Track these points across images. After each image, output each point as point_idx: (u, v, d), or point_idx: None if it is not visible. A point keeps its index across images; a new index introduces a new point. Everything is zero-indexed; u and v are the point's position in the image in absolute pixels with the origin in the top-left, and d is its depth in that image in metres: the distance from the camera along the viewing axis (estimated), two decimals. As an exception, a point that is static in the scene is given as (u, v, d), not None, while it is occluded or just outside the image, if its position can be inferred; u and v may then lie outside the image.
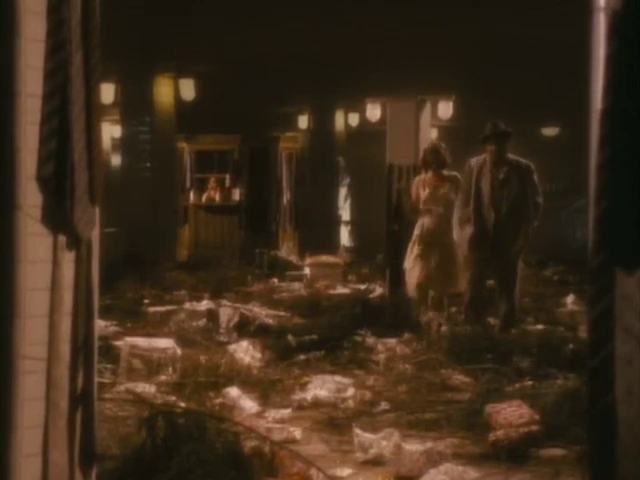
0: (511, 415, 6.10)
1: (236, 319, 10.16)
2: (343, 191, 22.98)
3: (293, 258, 18.03)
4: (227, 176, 21.13)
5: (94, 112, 3.57)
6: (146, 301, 11.94)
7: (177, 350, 7.84)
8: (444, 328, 9.58)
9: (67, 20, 3.45)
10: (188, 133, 19.90)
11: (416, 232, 10.23)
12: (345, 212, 22.97)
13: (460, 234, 9.71)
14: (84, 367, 3.60)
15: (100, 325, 7.45)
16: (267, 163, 20.73)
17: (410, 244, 10.28)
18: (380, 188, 15.75)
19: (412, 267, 10.16)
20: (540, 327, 10.08)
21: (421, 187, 10.24)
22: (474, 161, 9.84)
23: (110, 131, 19.54)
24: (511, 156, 9.80)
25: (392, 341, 8.99)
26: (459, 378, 7.60)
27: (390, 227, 12.18)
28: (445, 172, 10.24)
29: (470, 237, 9.63)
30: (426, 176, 10.29)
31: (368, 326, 9.46)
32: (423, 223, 10.20)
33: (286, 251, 19.20)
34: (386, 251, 12.53)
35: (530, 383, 7.36)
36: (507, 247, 9.56)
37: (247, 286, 14.25)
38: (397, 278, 11.22)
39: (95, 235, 3.66)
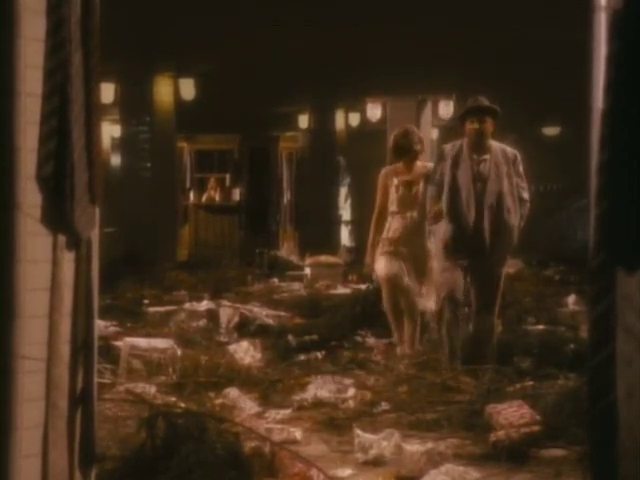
0: (512, 415, 6.09)
1: (236, 319, 10.16)
2: (343, 191, 22.97)
3: (293, 258, 18.03)
4: (227, 176, 21.18)
5: (94, 112, 3.57)
6: (146, 301, 11.93)
7: (177, 350, 7.84)
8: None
9: (67, 19, 3.45)
10: (188, 133, 19.94)
11: (384, 238, 8.42)
12: (345, 212, 22.97)
13: (435, 242, 8.14)
14: (84, 367, 3.59)
15: (100, 325, 7.44)
16: (267, 163, 20.77)
17: (378, 251, 8.49)
18: (380, 188, 15.76)
19: (382, 281, 8.49)
20: (541, 327, 10.06)
21: (390, 182, 8.41)
22: (449, 147, 8.13)
23: (110, 131, 19.55)
24: (494, 142, 8.12)
25: (393, 341, 8.99)
26: (459, 378, 7.59)
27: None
28: (419, 163, 8.48)
29: (444, 241, 7.91)
30: (396, 167, 8.49)
31: (368, 326, 9.46)
32: (390, 226, 8.37)
33: (286, 251, 19.21)
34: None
35: (531, 383, 7.34)
36: (489, 253, 7.88)
37: (247, 286, 14.25)
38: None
39: (95, 235, 3.65)
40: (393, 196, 8.36)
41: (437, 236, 8.03)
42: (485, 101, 8.02)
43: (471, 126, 7.94)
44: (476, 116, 7.94)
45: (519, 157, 8.08)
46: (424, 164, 8.50)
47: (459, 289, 7.91)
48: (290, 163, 21.88)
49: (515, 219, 7.94)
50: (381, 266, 8.37)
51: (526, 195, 8.05)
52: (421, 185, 8.28)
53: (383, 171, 8.53)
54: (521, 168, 8.05)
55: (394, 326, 8.47)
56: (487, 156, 7.96)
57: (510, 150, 8.11)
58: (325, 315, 10.41)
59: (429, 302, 8.30)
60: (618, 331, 2.75)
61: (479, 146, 7.96)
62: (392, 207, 8.36)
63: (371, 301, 9.84)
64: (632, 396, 2.74)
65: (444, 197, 7.88)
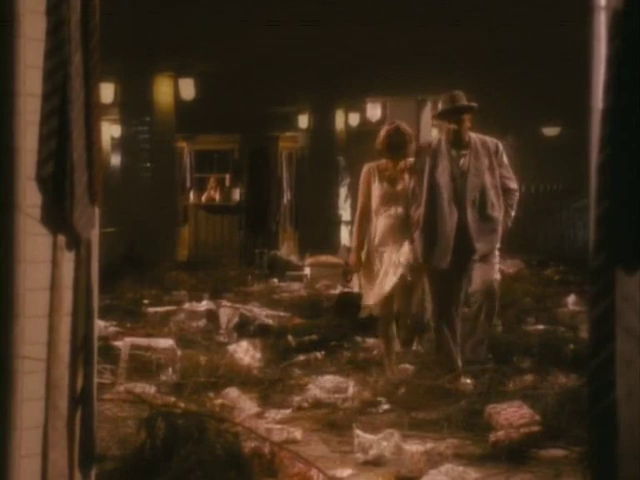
0: (512, 415, 6.10)
1: (236, 319, 10.16)
2: (343, 191, 22.97)
3: (293, 258, 18.02)
4: (227, 176, 21.17)
5: (94, 112, 3.57)
6: (146, 301, 11.92)
7: (177, 350, 7.84)
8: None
9: (67, 20, 3.45)
10: (188, 133, 19.93)
11: (369, 239, 7.86)
12: (345, 212, 22.96)
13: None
14: (84, 367, 3.59)
15: (100, 325, 7.44)
16: (267, 163, 20.75)
17: (364, 255, 7.91)
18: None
19: (368, 284, 7.86)
20: (541, 327, 10.06)
21: (374, 179, 7.85)
22: (426, 145, 7.98)
23: (110, 131, 19.56)
24: (473, 134, 7.76)
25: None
26: (459, 379, 7.58)
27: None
28: (404, 161, 7.87)
29: (423, 246, 7.56)
30: (379, 164, 7.91)
31: (368, 326, 9.46)
32: (376, 229, 7.80)
33: (286, 251, 19.20)
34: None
35: (531, 383, 7.34)
36: (476, 250, 7.58)
37: (247, 286, 14.24)
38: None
39: (95, 235, 3.65)
40: (376, 193, 7.83)
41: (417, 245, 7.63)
42: (462, 98, 7.70)
43: (448, 126, 7.69)
44: (453, 116, 7.67)
45: (501, 147, 7.78)
46: (407, 160, 7.92)
47: (451, 301, 7.65)
48: (290, 163, 21.87)
49: (499, 213, 7.64)
50: (376, 298, 7.80)
51: (513, 185, 7.74)
52: (406, 181, 7.80)
53: (365, 168, 8.00)
54: (505, 158, 7.74)
55: (385, 351, 7.95)
56: (467, 151, 7.66)
57: (491, 140, 7.78)
58: (325, 315, 10.40)
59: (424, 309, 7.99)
60: (618, 331, 2.75)
61: (457, 142, 7.67)
62: (376, 204, 7.83)
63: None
64: (632, 396, 2.73)
65: (424, 198, 7.60)
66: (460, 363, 7.64)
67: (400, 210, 7.76)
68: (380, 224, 7.79)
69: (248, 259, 17.68)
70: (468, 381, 7.42)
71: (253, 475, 4.90)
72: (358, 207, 8.06)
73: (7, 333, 3.36)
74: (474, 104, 7.79)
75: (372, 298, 7.81)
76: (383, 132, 7.92)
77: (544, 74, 15.94)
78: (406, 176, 7.81)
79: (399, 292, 7.74)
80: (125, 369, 7.49)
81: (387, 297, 7.72)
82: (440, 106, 7.92)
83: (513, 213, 7.75)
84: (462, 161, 7.66)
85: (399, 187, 7.80)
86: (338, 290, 13.11)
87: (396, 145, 7.79)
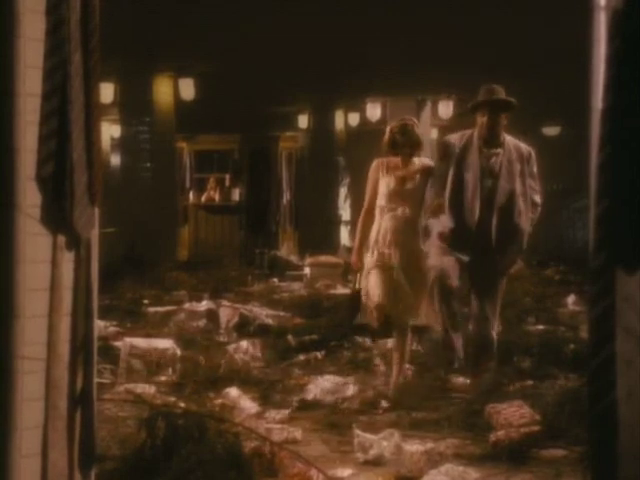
0: (512, 415, 6.09)
1: (236, 319, 10.16)
2: (343, 191, 22.97)
3: (293, 258, 18.03)
4: (227, 176, 21.19)
5: (93, 112, 3.57)
6: (146, 301, 11.92)
7: (177, 350, 7.84)
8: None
9: (66, 19, 3.45)
10: (188, 133, 19.93)
11: (371, 239, 7.33)
12: (345, 212, 22.96)
13: (431, 239, 7.29)
14: (83, 367, 3.59)
15: (100, 325, 7.45)
16: (267, 163, 20.75)
17: (367, 261, 7.36)
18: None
19: (367, 287, 7.33)
20: (541, 327, 10.06)
21: (382, 175, 7.35)
22: (455, 137, 7.45)
23: (109, 131, 19.56)
24: (508, 136, 7.43)
25: (393, 341, 8.96)
26: (460, 378, 7.58)
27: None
28: (416, 159, 7.39)
29: (442, 234, 7.25)
30: (390, 160, 7.38)
31: (368, 326, 9.45)
32: (380, 226, 7.27)
33: (286, 251, 19.21)
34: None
35: (531, 383, 7.34)
36: (496, 259, 7.27)
37: (247, 286, 14.24)
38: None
39: (94, 235, 3.65)
40: (383, 190, 7.30)
41: (434, 232, 7.29)
42: (500, 92, 7.38)
43: (482, 119, 7.30)
44: (488, 109, 7.31)
45: (534, 155, 7.42)
46: (421, 159, 7.47)
47: (452, 275, 7.26)
48: (290, 163, 21.88)
49: (526, 223, 7.31)
50: (373, 296, 7.31)
51: (538, 198, 7.43)
52: (416, 181, 7.30)
53: (374, 163, 7.45)
54: (535, 168, 7.41)
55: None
56: (499, 150, 7.31)
57: (525, 147, 7.43)
58: (325, 315, 10.40)
59: (427, 317, 7.43)
60: (618, 331, 2.75)
61: (490, 139, 7.31)
62: (381, 202, 7.31)
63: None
64: (632, 396, 2.74)
65: (446, 192, 7.26)
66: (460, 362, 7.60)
67: (407, 211, 7.25)
68: (383, 225, 7.27)
69: (248, 259, 17.69)
70: (468, 381, 7.42)
71: (253, 475, 4.90)
72: (365, 203, 7.50)
73: (7, 333, 3.35)
74: (513, 100, 7.44)
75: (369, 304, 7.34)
76: (388, 128, 7.51)
77: (544, 74, 15.93)
78: (417, 176, 7.32)
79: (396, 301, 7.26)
80: (125, 369, 7.49)
81: (384, 306, 7.25)
82: (478, 97, 7.51)
83: (531, 228, 7.42)
84: (493, 160, 7.31)
85: (408, 186, 7.30)
86: (339, 290, 13.15)
87: (399, 144, 7.32)
